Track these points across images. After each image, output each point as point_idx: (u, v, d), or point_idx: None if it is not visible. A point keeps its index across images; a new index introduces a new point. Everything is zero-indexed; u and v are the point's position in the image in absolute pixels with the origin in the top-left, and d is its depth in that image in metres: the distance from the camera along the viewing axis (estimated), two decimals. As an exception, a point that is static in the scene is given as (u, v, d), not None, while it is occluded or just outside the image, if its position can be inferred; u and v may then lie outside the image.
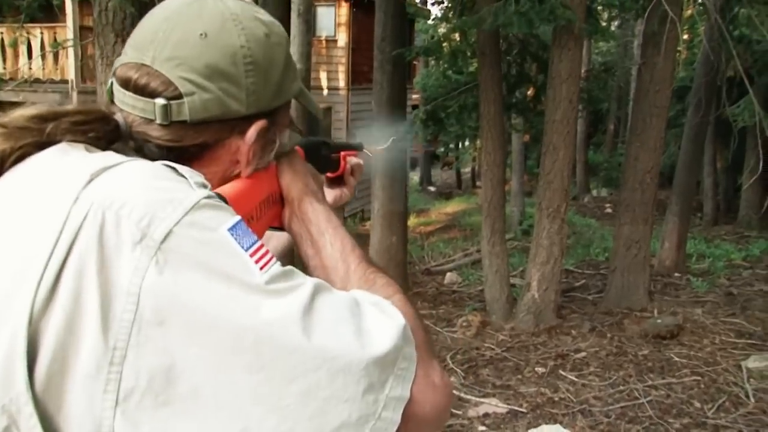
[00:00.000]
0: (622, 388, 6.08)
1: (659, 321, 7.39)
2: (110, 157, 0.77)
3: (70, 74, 10.41)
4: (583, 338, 7.35)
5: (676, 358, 6.63)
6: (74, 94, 10.17)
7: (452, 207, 19.55)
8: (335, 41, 15.98)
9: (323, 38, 15.86)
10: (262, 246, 0.73)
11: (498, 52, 7.83)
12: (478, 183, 21.92)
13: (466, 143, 25.07)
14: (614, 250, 8.42)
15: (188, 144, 0.88)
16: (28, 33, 9.81)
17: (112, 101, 0.91)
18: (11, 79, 9.67)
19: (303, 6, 11.22)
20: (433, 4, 11.76)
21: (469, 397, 6.03)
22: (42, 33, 10.36)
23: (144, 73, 0.87)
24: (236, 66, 0.87)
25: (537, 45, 9.08)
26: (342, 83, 16.07)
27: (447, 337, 7.63)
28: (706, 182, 14.75)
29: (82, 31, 10.14)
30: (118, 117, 0.88)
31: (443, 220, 17.41)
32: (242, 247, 0.71)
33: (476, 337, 7.57)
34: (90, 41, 9.43)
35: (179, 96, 0.86)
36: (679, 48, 8.23)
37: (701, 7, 10.67)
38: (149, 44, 0.87)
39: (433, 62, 14.83)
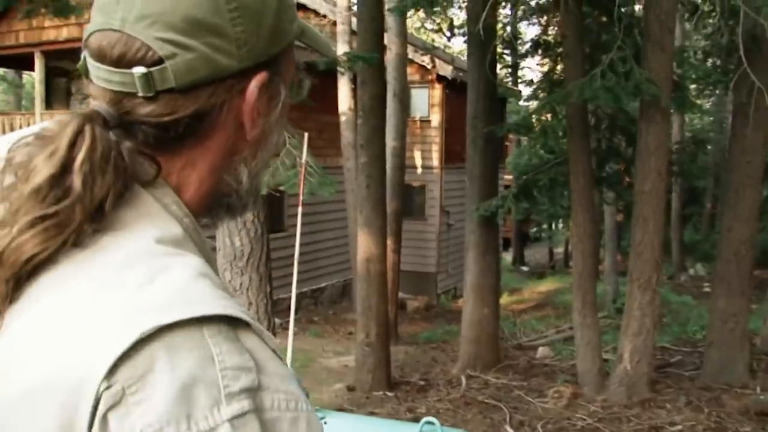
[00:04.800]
0: (720, 461, 5.95)
1: (762, 398, 7.19)
2: (155, 306, 0.67)
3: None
4: (678, 412, 7.22)
5: (779, 434, 6.44)
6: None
7: (545, 286, 19.43)
8: (429, 121, 16.51)
9: (417, 119, 16.41)
10: None
11: (586, 125, 8.05)
12: (571, 263, 21.73)
13: (560, 225, 25.03)
14: (710, 324, 8.30)
15: (183, 115, 0.77)
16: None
17: (87, 77, 0.81)
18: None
19: (398, 87, 11.82)
20: (522, 82, 12.10)
21: (559, 462, 6.03)
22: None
23: (115, 40, 0.76)
24: (220, 14, 0.77)
25: (625, 119, 9.24)
26: (435, 162, 16.50)
27: (538, 407, 7.64)
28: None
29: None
30: (96, 104, 0.78)
31: (536, 298, 17.33)
32: None
33: (567, 408, 7.54)
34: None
35: (160, 61, 0.75)
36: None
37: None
38: (115, 4, 0.76)
39: (525, 142, 15.10)
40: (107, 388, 0.63)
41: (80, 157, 0.72)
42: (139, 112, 0.77)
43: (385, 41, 9.61)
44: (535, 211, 12.36)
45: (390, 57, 11.21)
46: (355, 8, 11.33)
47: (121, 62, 0.76)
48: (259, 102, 0.82)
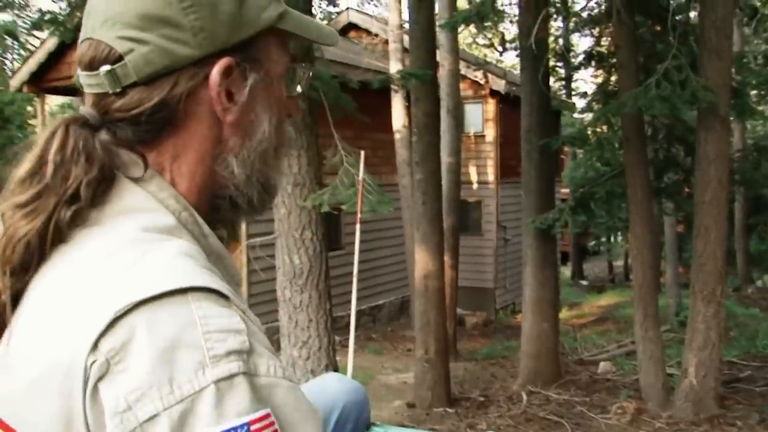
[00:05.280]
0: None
1: (837, 413, 6.95)
2: (142, 275, 0.71)
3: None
4: (750, 429, 7.02)
5: None
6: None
7: (605, 300, 19.13)
8: (483, 136, 16.48)
9: (471, 134, 16.39)
10: None
11: (642, 136, 7.95)
12: (631, 276, 21.37)
13: (619, 238, 24.64)
14: (780, 338, 8.07)
15: (148, 106, 0.81)
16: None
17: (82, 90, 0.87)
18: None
19: (452, 103, 11.84)
20: (576, 95, 12.00)
21: (624, 479, 5.92)
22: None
23: (87, 47, 0.83)
24: (171, 6, 0.80)
25: (683, 128, 9.09)
26: (491, 177, 16.45)
27: (601, 423, 7.52)
28: None
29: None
30: (83, 109, 0.84)
31: (596, 312, 17.07)
32: None
33: (631, 424, 7.41)
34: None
35: (121, 57, 0.80)
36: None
37: None
38: (87, 16, 0.84)
39: (581, 155, 14.95)
40: (93, 362, 0.65)
41: (52, 150, 0.78)
42: (113, 109, 0.82)
43: (438, 58, 9.67)
44: (593, 224, 12.21)
45: (443, 73, 11.25)
46: (406, 26, 11.43)
47: (92, 65, 0.82)
48: (224, 87, 0.83)
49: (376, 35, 15.80)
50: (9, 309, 0.77)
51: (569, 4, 12.03)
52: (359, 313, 13.43)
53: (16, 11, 19.32)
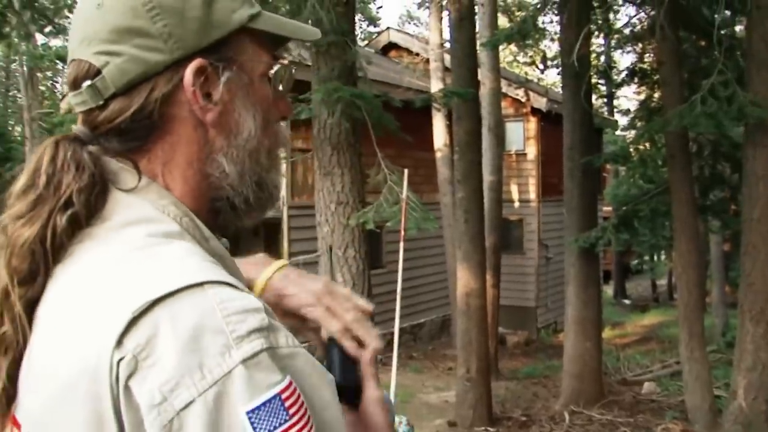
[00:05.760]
0: None
1: None
2: (154, 272, 0.74)
3: (281, 191, 11.45)
4: (802, 453, 6.84)
5: None
6: (285, 209, 11.22)
7: (648, 319, 18.84)
8: (525, 155, 16.43)
9: (513, 152, 16.36)
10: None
11: (687, 154, 7.85)
12: (675, 295, 21.01)
13: (662, 256, 24.27)
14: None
15: (130, 113, 0.84)
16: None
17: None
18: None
19: (493, 121, 11.85)
20: (618, 112, 11.90)
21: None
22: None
23: (71, 68, 0.87)
24: (139, 16, 0.83)
25: (729, 144, 8.96)
26: (533, 195, 16.37)
27: (647, 444, 7.41)
28: None
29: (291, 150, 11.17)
30: (74, 127, 0.88)
31: (639, 332, 16.81)
32: None
33: (678, 446, 7.28)
34: (298, 159, 10.46)
35: (99, 72, 0.84)
36: None
37: None
38: (70, 39, 0.89)
39: (623, 172, 14.81)
40: (120, 360, 0.68)
41: (44, 162, 0.82)
42: (98, 122, 0.85)
43: (479, 76, 9.69)
44: (636, 242, 12.06)
45: (484, 92, 11.26)
46: (447, 45, 11.48)
47: (77, 83, 0.85)
48: (199, 87, 0.85)
49: (417, 54, 15.88)
50: (25, 321, 0.79)
51: (611, 21, 11.99)
52: (400, 331, 13.38)
53: (68, 37, 20.05)
